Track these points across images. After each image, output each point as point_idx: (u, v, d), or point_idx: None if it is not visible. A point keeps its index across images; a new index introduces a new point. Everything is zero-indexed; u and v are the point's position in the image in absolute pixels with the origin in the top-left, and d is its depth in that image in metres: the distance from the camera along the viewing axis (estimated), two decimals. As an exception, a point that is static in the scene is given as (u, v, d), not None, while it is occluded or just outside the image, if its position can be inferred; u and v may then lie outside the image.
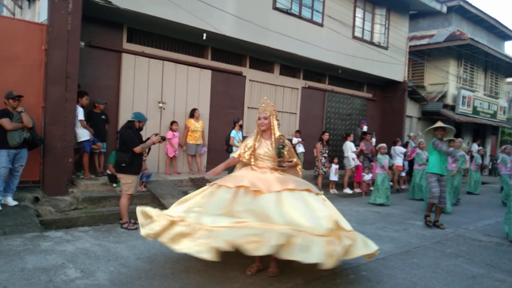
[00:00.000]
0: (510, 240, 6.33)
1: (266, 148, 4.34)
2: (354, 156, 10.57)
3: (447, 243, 6.07)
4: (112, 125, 8.21)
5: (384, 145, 9.65)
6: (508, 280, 4.57)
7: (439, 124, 7.19)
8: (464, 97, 17.66)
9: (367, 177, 10.62)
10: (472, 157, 12.93)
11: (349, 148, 10.67)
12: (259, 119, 4.39)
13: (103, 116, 7.88)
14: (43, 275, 3.79)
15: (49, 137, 6.63)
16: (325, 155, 10.39)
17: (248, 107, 10.78)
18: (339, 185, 10.80)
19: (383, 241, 5.89)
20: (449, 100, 17.40)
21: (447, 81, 17.32)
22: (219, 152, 9.38)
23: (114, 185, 7.35)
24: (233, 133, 9.00)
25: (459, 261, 5.15)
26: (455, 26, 17.36)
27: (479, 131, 20.87)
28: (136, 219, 6.08)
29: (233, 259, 4.40)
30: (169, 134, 8.86)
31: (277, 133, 4.38)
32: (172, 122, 8.98)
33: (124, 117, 7.97)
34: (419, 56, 17.42)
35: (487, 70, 20.09)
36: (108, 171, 7.39)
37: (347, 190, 10.68)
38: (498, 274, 4.75)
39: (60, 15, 6.61)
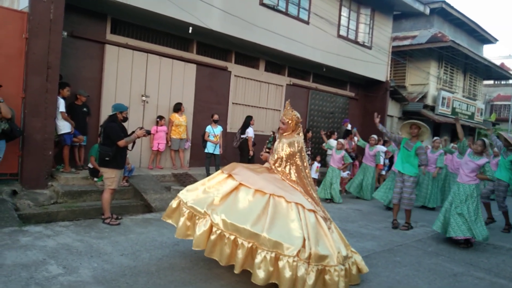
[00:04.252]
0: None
1: (276, 144, 4.44)
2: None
3: (428, 242, 6.18)
4: (93, 118, 8.03)
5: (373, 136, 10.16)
6: (487, 278, 4.69)
7: (419, 122, 7.17)
8: (443, 98, 18.04)
9: (344, 174, 10.70)
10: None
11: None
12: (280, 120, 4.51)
13: (84, 109, 7.70)
14: (23, 272, 3.68)
15: (28, 128, 6.44)
16: (308, 152, 10.43)
17: (233, 103, 10.72)
18: (320, 183, 10.83)
19: (365, 239, 5.97)
20: (429, 101, 17.74)
21: (427, 82, 17.64)
22: (202, 148, 9.31)
23: (95, 179, 7.20)
24: (208, 128, 8.94)
25: (440, 260, 5.26)
26: (436, 28, 17.67)
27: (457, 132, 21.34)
28: (118, 214, 6.03)
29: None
30: (161, 128, 8.89)
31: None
32: (161, 117, 8.89)
33: (106, 110, 7.79)
34: (401, 57, 17.67)
35: (466, 72, 20.55)
36: (89, 165, 7.24)
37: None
38: (477, 272, 4.87)
39: (43, 4, 6.41)
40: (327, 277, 3.57)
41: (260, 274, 3.43)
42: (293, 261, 3.43)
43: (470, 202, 6.00)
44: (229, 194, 3.96)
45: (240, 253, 3.56)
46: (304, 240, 3.55)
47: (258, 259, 3.48)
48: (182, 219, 4.03)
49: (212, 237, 3.69)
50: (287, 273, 3.41)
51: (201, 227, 3.79)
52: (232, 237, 3.62)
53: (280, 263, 3.46)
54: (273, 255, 3.47)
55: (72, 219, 5.84)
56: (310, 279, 3.46)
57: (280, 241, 3.49)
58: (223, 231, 3.66)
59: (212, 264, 4.21)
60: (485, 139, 6.43)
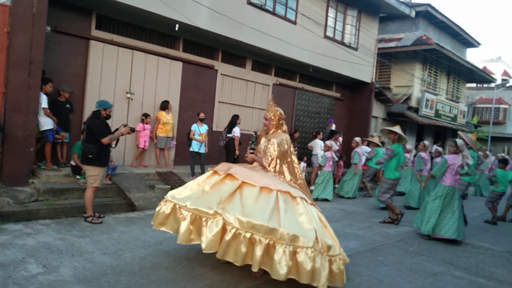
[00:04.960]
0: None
1: (263, 144, 4.46)
2: (322, 153, 10.70)
3: (409, 242, 6.27)
4: (76, 114, 7.91)
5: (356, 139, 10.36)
6: (466, 277, 4.78)
7: (395, 129, 7.48)
8: (427, 100, 18.29)
9: None
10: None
11: (319, 145, 10.81)
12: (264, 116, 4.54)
13: (67, 105, 7.57)
14: (1, 271, 3.60)
15: (9, 124, 6.30)
16: (295, 153, 10.47)
17: (219, 101, 10.68)
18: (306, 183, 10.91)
19: (349, 239, 6.03)
20: (413, 103, 17.96)
21: (412, 84, 17.87)
22: (188, 146, 9.26)
23: (78, 177, 7.09)
24: (194, 126, 8.90)
25: (421, 259, 5.34)
26: (422, 31, 17.91)
27: (440, 133, 21.69)
28: (100, 212, 5.96)
29: (202, 256, 4.36)
30: (147, 126, 8.84)
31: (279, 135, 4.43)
32: (147, 115, 8.81)
33: (90, 106, 7.68)
34: (387, 58, 17.86)
35: (450, 75, 20.88)
36: (72, 162, 7.13)
37: (313, 187, 10.81)
38: (457, 271, 4.96)
39: (25, -3, 6.28)
40: (334, 266, 3.64)
41: (282, 270, 3.41)
42: (311, 252, 3.47)
43: (438, 200, 6.47)
44: (234, 193, 3.89)
45: (258, 250, 3.50)
46: (316, 231, 3.63)
47: (278, 254, 3.46)
48: (184, 223, 3.81)
49: (227, 237, 3.56)
50: (308, 265, 3.43)
51: (212, 228, 3.63)
52: (248, 235, 3.53)
53: (299, 256, 3.47)
54: (291, 249, 3.49)
55: (53, 217, 5.74)
56: (325, 270, 3.53)
57: (297, 234, 3.52)
58: (238, 229, 3.55)
59: (195, 264, 4.20)
60: (457, 140, 6.60)
